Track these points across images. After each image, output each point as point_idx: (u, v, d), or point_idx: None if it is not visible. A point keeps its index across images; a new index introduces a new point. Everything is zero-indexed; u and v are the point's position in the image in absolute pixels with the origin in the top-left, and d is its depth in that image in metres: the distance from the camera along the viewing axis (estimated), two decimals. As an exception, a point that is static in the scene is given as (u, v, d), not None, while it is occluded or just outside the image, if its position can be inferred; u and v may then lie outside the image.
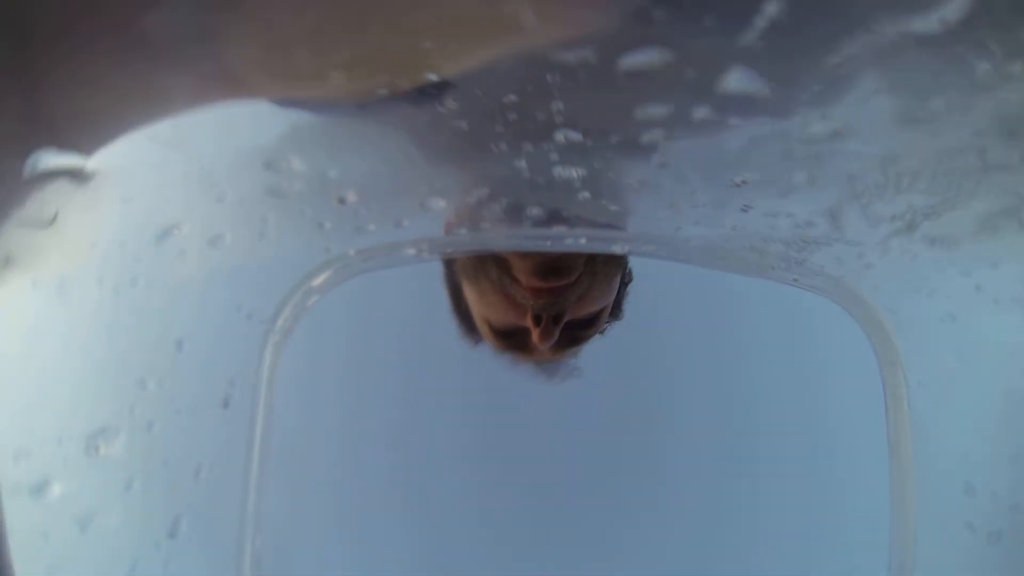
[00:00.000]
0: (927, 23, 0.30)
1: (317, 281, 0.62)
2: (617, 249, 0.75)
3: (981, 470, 0.59)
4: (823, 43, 0.34)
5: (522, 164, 0.52)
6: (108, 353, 0.44)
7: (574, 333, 0.84)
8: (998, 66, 0.34)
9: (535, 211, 0.62)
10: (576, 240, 0.71)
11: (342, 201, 0.58)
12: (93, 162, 0.38)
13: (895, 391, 0.69)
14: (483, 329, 0.83)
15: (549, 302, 0.75)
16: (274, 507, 0.60)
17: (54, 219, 0.38)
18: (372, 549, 1.07)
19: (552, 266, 0.71)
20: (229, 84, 0.39)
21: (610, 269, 0.79)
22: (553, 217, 0.64)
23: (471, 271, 0.78)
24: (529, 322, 0.78)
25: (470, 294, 0.82)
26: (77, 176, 0.38)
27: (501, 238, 0.72)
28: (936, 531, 0.62)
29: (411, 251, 0.67)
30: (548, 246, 0.69)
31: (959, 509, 0.59)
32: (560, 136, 0.47)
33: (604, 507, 1.19)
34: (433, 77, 0.50)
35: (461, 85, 0.50)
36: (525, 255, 0.71)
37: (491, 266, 0.75)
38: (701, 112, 0.41)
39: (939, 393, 0.66)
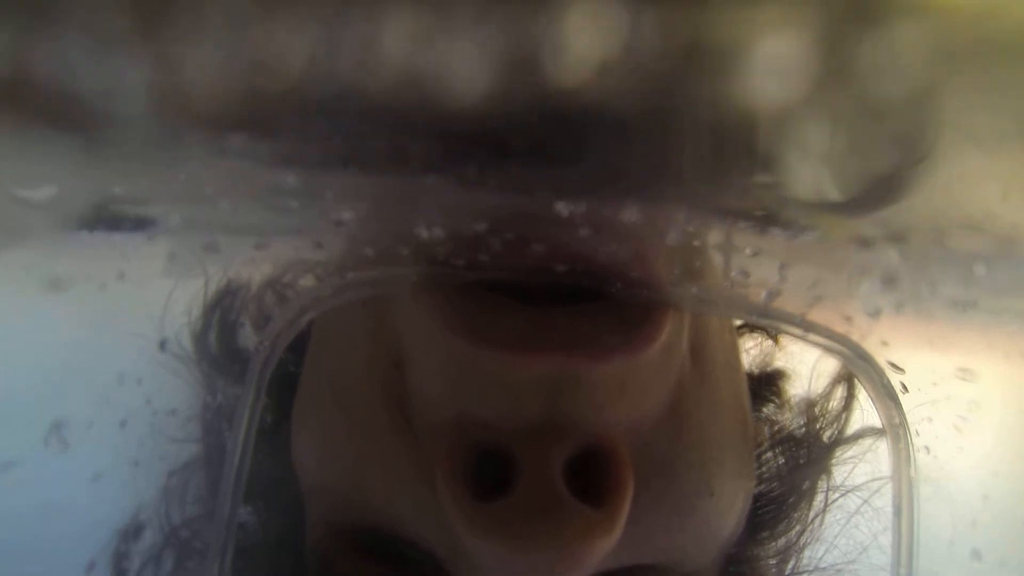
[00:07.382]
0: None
1: (311, 299, 0.63)
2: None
3: (990, 536, 0.55)
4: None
5: (524, 198, 0.52)
6: (89, 345, 0.45)
7: None
8: None
9: (538, 247, 0.61)
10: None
11: (339, 223, 0.59)
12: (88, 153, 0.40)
13: (901, 453, 0.66)
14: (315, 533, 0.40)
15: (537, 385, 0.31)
16: (248, 520, 0.59)
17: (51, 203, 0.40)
18: None
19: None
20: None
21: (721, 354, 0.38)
22: (557, 255, 0.62)
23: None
24: (444, 482, 0.31)
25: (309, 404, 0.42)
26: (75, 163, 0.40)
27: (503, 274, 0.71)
28: (941, 598, 0.57)
29: (413, 279, 0.68)
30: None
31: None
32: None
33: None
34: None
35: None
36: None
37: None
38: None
39: (947, 456, 0.63)
